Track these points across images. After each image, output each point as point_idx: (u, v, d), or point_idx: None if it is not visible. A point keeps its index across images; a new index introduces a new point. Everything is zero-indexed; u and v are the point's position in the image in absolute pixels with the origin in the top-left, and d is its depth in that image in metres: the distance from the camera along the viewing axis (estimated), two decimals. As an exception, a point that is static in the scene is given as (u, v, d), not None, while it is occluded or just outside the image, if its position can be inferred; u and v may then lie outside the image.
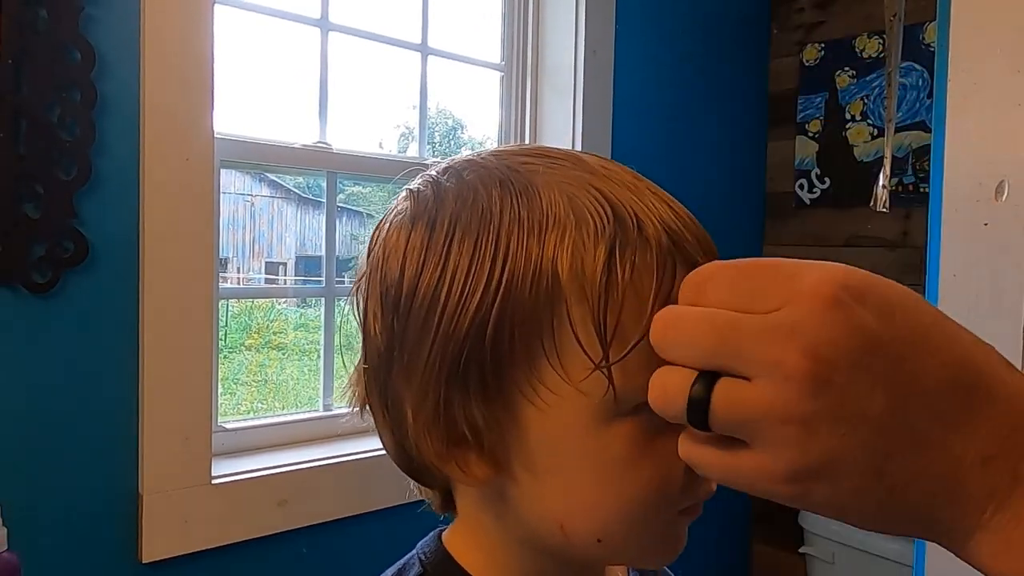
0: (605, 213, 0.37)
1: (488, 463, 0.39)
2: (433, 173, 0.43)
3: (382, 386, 0.42)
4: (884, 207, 1.27)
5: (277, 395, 3.35)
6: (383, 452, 0.45)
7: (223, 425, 1.23)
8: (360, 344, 0.44)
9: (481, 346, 0.37)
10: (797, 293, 0.28)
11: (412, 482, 0.46)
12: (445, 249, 0.38)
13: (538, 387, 0.37)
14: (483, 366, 0.37)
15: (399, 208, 0.43)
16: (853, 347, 0.27)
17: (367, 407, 0.44)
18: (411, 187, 0.44)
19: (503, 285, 0.36)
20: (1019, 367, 0.99)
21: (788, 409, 0.27)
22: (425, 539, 0.47)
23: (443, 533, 0.46)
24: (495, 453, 0.39)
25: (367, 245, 0.44)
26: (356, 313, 0.44)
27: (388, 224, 0.43)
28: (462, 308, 0.37)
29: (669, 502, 0.39)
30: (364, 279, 0.43)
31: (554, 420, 0.38)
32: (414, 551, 0.46)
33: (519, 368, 0.37)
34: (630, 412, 0.37)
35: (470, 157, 0.43)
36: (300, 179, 3.63)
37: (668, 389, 0.31)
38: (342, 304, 1.38)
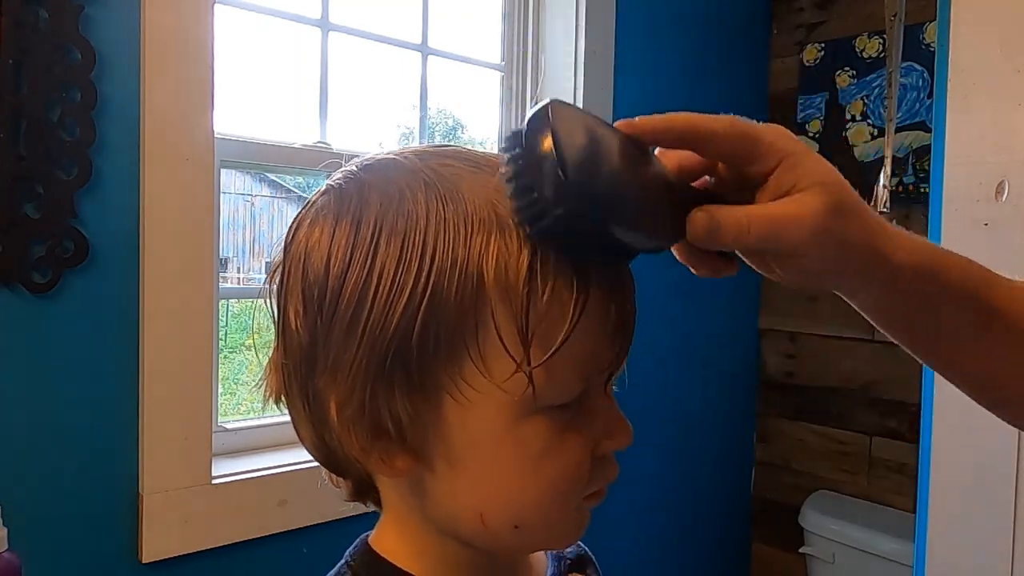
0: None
1: (410, 456, 0.41)
2: (354, 168, 0.43)
3: (303, 381, 0.42)
4: (884, 207, 1.27)
5: (277, 395, 3.35)
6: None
7: (223, 425, 1.23)
8: (274, 337, 0.44)
9: (408, 345, 0.37)
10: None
11: (324, 471, 0.47)
12: (372, 249, 0.38)
13: (461, 384, 0.38)
14: (409, 365, 0.38)
15: (320, 203, 0.43)
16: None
17: (282, 399, 0.45)
18: (332, 183, 0.44)
19: (430, 287, 0.37)
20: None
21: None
22: (352, 545, 0.48)
23: (369, 536, 0.48)
24: (417, 446, 0.40)
25: (284, 238, 0.44)
26: (271, 306, 0.44)
27: (309, 219, 0.42)
28: (389, 308, 0.37)
29: (579, 489, 0.42)
30: (282, 273, 0.43)
31: (475, 416, 0.39)
32: (342, 559, 0.47)
33: (444, 366, 0.38)
34: (545, 408, 0.39)
35: (392, 156, 0.43)
36: (300, 179, 3.63)
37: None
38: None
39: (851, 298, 0.46)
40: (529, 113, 0.37)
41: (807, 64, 2.00)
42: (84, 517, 0.99)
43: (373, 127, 1.53)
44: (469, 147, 0.44)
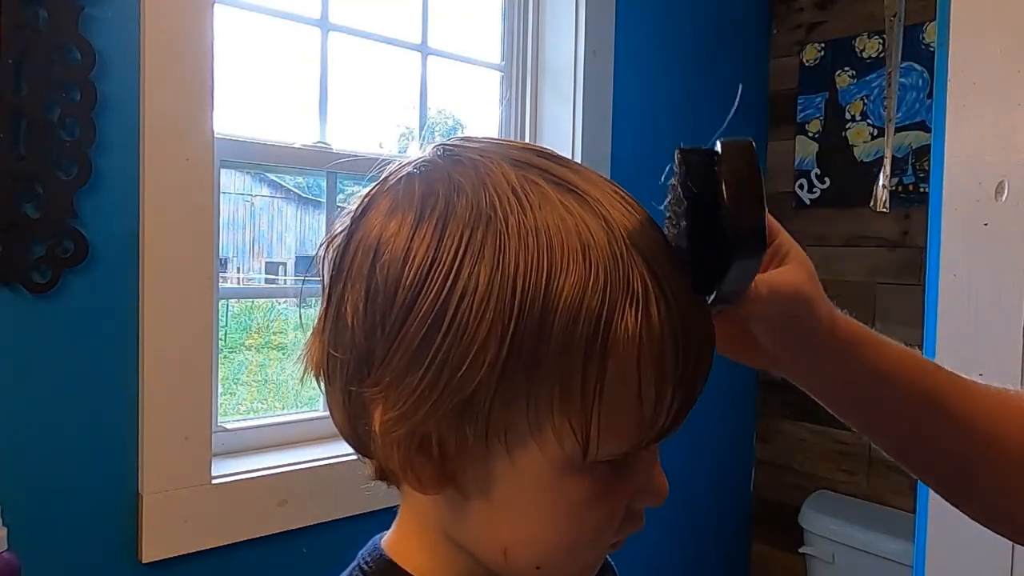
0: (646, 285, 0.36)
1: (447, 479, 0.39)
2: (440, 162, 0.40)
3: (348, 378, 0.39)
4: (884, 207, 1.27)
5: (277, 395, 3.35)
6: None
7: (223, 425, 1.23)
8: (322, 312, 0.41)
9: (476, 385, 0.35)
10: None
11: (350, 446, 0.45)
12: (455, 270, 0.35)
13: (523, 432, 0.37)
14: (473, 404, 0.36)
15: (402, 191, 0.39)
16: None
17: (321, 376, 0.42)
18: (416, 169, 0.40)
19: (512, 331, 0.34)
20: (1019, 367, 0.99)
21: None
22: (364, 548, 0.46)
23: (383, 540, 0.46)
24: (456, 473, 0.39)
25: (353, 210, 0.41)
26: (323, 275, 0.41)
27: (387, 204, 0.39)
28: (464, 342, 0.35)
29: (607, 539, 0.42)
30: (345, 252, 0.40)
31: (523, 462, 0.38)
32: (355, 562, 0.46)
33: (505, 412, 0.36)
34: (592, 463, 0.38)
35: (481, 157, 0.39)
36: (300, 179, 3.63)
37: None
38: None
39: (799, 380, 0.51)
40: (726, 141, 0.39)
41: (807, 64, 2.00)
42: (84, 517, 0.99)
43: (373, 127, 1.53)
44: (552, 156, 0.41)
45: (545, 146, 0.43)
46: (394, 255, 0.37)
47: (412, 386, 0.36)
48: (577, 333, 0.34)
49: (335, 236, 0.42)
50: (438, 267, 0.35)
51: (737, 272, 0.38)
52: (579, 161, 1.58)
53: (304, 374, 0.43)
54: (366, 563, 0.45)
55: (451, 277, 0.35)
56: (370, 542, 0.46)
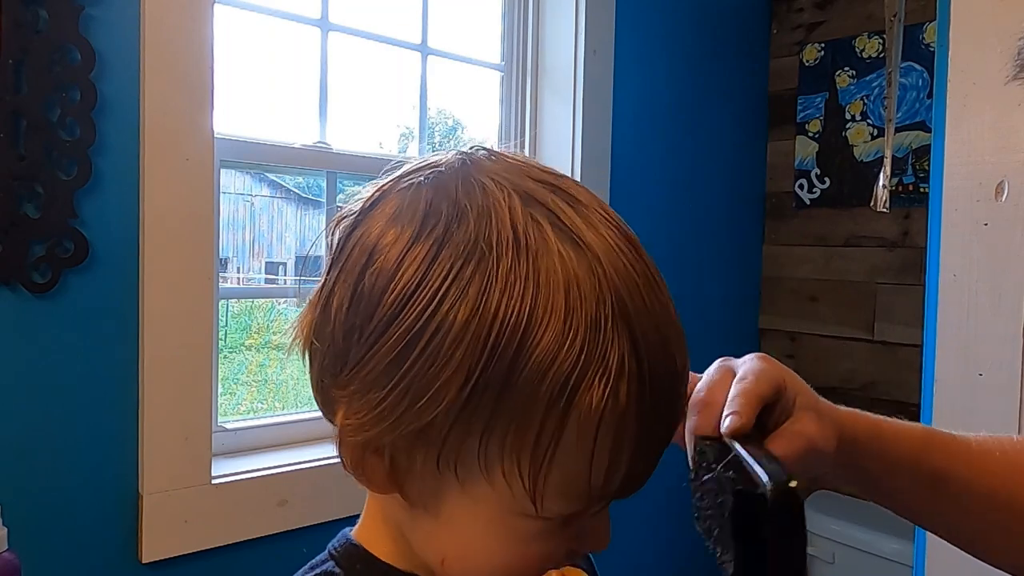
0: (623, 360, 0.35)
1: (395, 488, 0.40)
2: (450, 186, 0.39)
3: (322, 368, 0.40)
4: (884, 207, 1.27)
5: (277, 395, 3.35)
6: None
7: (223, 425, 1.23)
8: (318, 290, 0.42)
9: (437, 415, 0.35)
10: None
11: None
12: (440, 296, 0.35)
13: (474, 469, 0.37)
14: (429, 432, 0.36)
15: (407, 200, 0.39)
16: None
17: (304, 352, 0.43)
18: (426, 180, 0.40)
19: (479, 369, 0.34)
20: (1019, 367, 0.99)
21: None
22: (334, 539, 0.48)
23: (351, 530, 0.48)
24: (404, 486, 0.40)
25: (363, 201, 0.42)
26: (327, 253, 0.42)
27: (391, 209, 0.39)
28: (434, 370, 0.35)
29: (542, 570, 0.42)
30: (343, 245, 0.40)
31: (471, 494, 0.38)
32: (324, 550, 0.47)
33: (461, 447, 0.36)
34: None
35: (493, 182, 0.39)
36: (300, 179, 3.63)
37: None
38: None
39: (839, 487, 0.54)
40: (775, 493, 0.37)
41: (807, 64, 2.00)
42: (84, 517, 0.99)
43: (373, 127, 1.53)
44: (567, 192, 0.39)
45: (565, 176, 0.41)
46: (385, 266, 0.37)
47: (374, 403, 0.37)
48: (540, 392, 0.34)
49: (345, 218, 0.42)
50: (421, 293, 0.35)
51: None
52: (579, 161, 1.58)
53: (292, 345, 0.43)
54: (335, 549, 0.47)
55: (431, 307, 0.35)
56: (340, 533, 0.48)
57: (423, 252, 0.36)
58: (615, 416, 0.35)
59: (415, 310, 0.35)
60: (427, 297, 0.35)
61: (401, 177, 0.42)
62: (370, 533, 0.46)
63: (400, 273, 0.36)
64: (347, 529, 0.48)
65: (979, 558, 0.55)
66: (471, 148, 0.42)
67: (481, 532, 0.40)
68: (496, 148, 0.43)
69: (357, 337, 0.37)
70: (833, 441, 0.46)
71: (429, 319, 0.35)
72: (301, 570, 0.46)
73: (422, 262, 0.36)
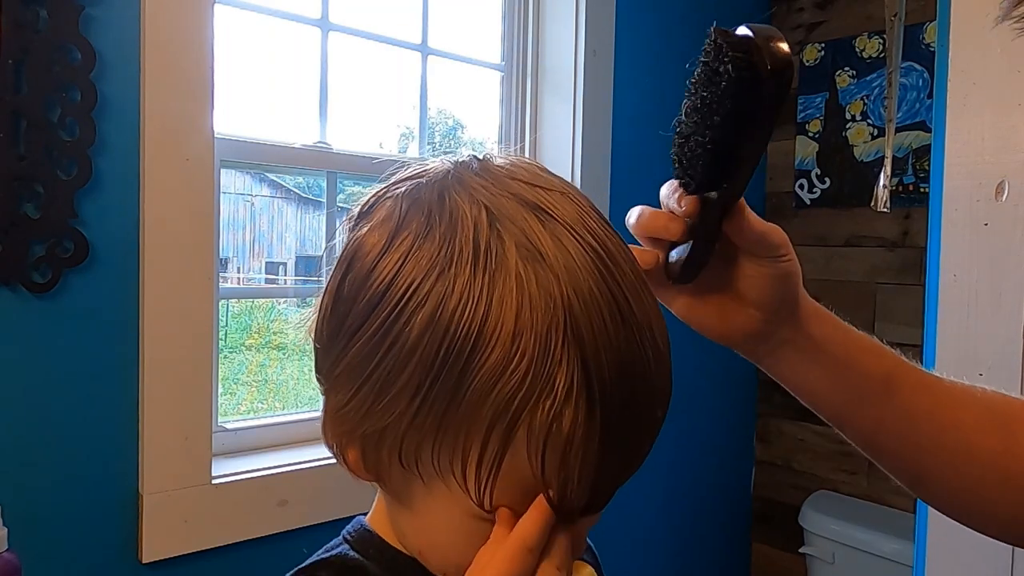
0: (571, 385, 0.35)
1: (372, 476, 0.42)
2: (427, 193, 0.40)
3: (315, 363, 0.43)
4: (884, 207, 1.27)
5: (277, 395, 3.35)
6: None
7: (223, 425, 1.23)
8: (324, 285, 0.43)
9: (399, 420, 0.37)
10: None
11: None
12: (402, 303, 0.36)
13: (433, 473, 0.39)
14: (396, 438, 0.38)
15: (388, 207, 0.41)
16: None
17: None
18: (404, 192, 0.41)
19: (440, 377, 0.35)
20: (1019, 367, 0.99)
21: None
22: (348, 525, 0.49)
23: (366, 516, 0.49)
24: (382, 478, 0.42)
25: (361, 205, 0.43)
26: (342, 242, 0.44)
27: (380, 214, 0.41)
28: (393, 376, 0.36)
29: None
30: (344, 246, 0.42)
31: (435, 494, 0.40)
32: (339, 536, 0.49)
33: (426, 451, 0.38)
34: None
35: (470, 194, 0.39)
36: (300, 179, 3.63)
37: None
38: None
39: (774, 369, 0.56)
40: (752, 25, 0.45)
41: (807, 64, 2.00)
42: (84, 517, 0.99)
43: (373, 127, 1.53)
44: (547, 206, 0.39)
45: (556, 187, 0.40)
46: (359, 273, 0.39)
47: (343, 402, 0.39)
48: (484, 410, 0.35)
49: (348, 219, 0.44)
50: (386, 302, 0.37)
51: (753, 141, 0.43)
52: (579, 161, 1.58)
53: (306, 339, 0.46)
54: (349, 534, 0.48)
55: (391, 317, 0.36)
56: (355, 519, 0.50)
57: (391, 263, 0.38)
58: (561, 440, 0.35)
59: (379, 318, 0.37)
60: (389, 307, 0.37)
61: (392, 184, 0.43)
62: (383, 520, 0.47)
63: (371, 280, 0.38)
64: (361, 516, 0.49)
65: (897, 476, 0.55)
66: (467, 156, 0.43)
67: (448, 528, 0.41)
68: (497, 150, 0.43)
69: (336, 338, 0.40)
70: (807, 303, 0.52)
71: (389, 329, 0.36)
72: (316, 554, 0.47)
73: (389, 272, 0.37)
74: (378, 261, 0.38)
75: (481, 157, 0.43)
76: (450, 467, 0.37)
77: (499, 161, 0.42)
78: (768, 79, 0.43)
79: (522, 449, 0.36)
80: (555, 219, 0.38)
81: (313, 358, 0.44)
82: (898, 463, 0.54)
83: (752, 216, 0.48)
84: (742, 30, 0.45)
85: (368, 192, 0.44)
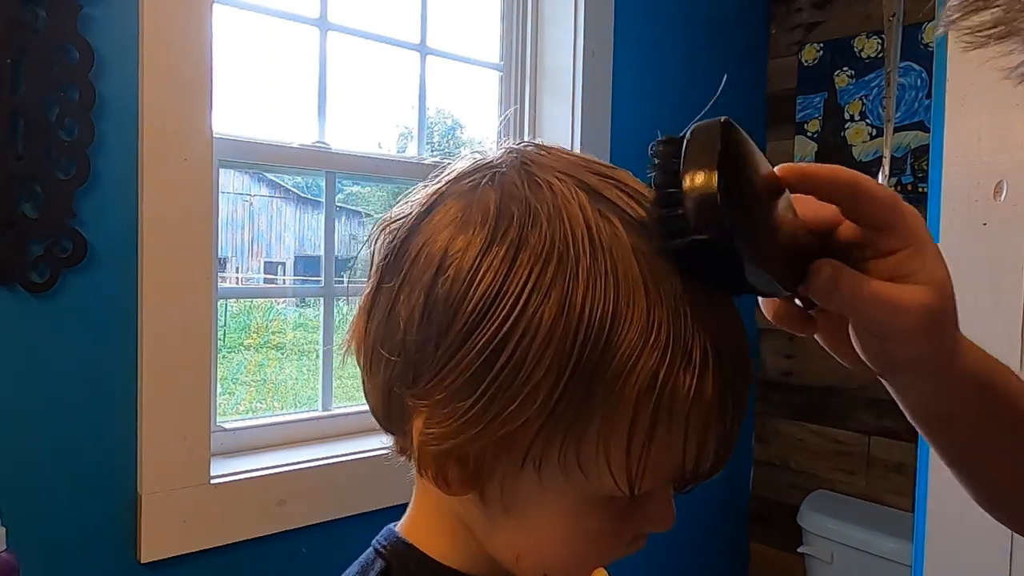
0: (706, 352, 0.36)
1: (472, 488, 0.40)
2: (517, 182, 0.38)
3: (390, 379, 0.40)
4: (883, 207, 1.27)
5: (276, 395, 3.35)
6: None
7: (222, 425, 1.23)
8: (369, 297, 0.41)
9: (526, 416, 0.35)
10: None
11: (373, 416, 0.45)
12: (522, 304, 0.35)
13: (554, 469, 0.37)
14: (516, 433, 0.36)
15: (473, 206, 0.38)
16: None
17: (359, 359, 0.42)
18: (489, 182, 0.39)
19: (568, 371, 0.34)
20: (1019, 367, 0.99)
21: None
22: (379, 535, 0.46)
23: (398, 526, 0.47)
24: (482, 485, 0.39)
25: (419, 209, 0.40)
26: (376, 258, 0.41)
27: (454, 215, 0.38)
28: (523, 376, 0.35)
29: (612, 556, 0.44)
30: (399, 250, 0.39)
31: (549, 490, 0.38)
32: (369, 548, 0.46)
33: (546, 442, 0.36)
34: (612, 497, 0.39)
35: (558, 180, 0.38)
36: (299, 179, 3.63)
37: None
38: (340, 304, 1.38)
39: (900, 392, 0.47)
40: (697, 125, 0.37)
41: (806, 64, 2.00)
42: (83, 517, 0.99)
43: (372, 127, 1.53)
44: (626, 186, 0.40)
45: (617, 167, 0.41)
46: (459, 274, 0.36)
47: (460, 412, 0.36)
48: (629, 386, 0.35)
49: (394, 221, 0.42)
50: (503, 300, 0.35)
51: (755, 279, 0.36)
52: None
53: (346, 352, 0.43)
54: (382, 547, 0.45)
55: (515, 313, 0.35)
56: (384, 529, 0.47)
57: (499, 257, 0.36)
58: (703, 405, 0.36)
59: (498, 317, 0.35)
60: (510, 303, 0.35)
61: (457, 179, 0.41)
62: (422, 531, 0.45)
63: (477, 280, 0.36)
64: (392, 525, 0.47)
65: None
66: (518, 143, 0.42)
67: (555, 524, 0.40)
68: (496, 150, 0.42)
69: (434, 347, 0.37)
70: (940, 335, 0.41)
71: (515, 325, 0.35)
72: (348, 570, 0.45)
73: (499, 268, 0.36)
74: (480, 259, 0.36)
75: (535, 142, 0.42)
76: (592, 453, 0.36)
77: (551, 148, 0.42)
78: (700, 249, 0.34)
79: (666, 421, 0.36)
80: (642, 194, 0.39)
81: (379, 373, 0.41)
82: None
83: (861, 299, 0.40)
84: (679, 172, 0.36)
85: (415, 194, 0.42)
